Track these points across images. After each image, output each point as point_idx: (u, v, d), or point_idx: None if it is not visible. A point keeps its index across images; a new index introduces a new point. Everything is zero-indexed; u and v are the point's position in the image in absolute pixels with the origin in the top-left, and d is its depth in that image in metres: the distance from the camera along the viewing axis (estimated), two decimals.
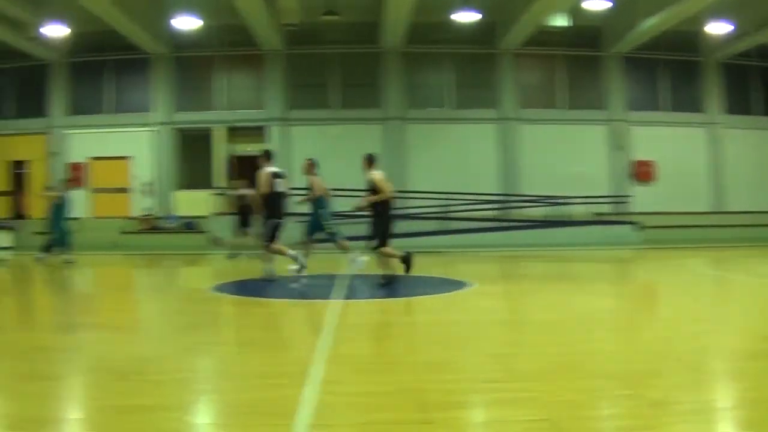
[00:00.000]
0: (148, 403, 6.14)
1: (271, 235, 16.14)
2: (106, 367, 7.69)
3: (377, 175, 15.15)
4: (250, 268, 19.18)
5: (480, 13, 29.68)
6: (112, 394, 6.46)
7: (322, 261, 23.16)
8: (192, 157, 35.95)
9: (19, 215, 36.13)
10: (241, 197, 23.27)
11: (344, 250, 17.77)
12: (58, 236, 22.53)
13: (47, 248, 22.45)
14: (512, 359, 7.62)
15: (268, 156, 16.86)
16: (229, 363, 8.03)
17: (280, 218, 16.30)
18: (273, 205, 16.25)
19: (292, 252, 16.16)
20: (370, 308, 12.31)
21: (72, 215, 23.38)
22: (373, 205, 14.97)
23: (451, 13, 30.00)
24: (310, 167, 18.49)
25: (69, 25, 30.90)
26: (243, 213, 23.16)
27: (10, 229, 32.67)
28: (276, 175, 16.46)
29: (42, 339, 9.98)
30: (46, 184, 27.70)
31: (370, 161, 15.33)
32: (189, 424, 5.76)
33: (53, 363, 8.20)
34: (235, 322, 11.71)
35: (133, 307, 13.42)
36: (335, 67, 34.95)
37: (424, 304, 12.97)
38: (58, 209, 22.64)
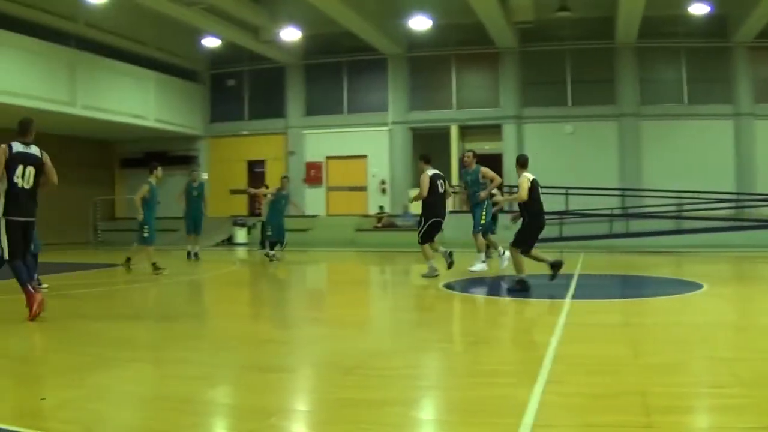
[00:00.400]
0: (373, 397, 6.22)
1: (428, 234, 16.61)
2: (332, 361, 7.85)
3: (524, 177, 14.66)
4: (491, 266, 19.21)
5: (711, 6, 28.80)
6: (337, 388, 6.58)
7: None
8: None
9: (255, 212, 37.44)
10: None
11: (494, 247, 17.43)
12: (273, 233, 23.19)
13: (267, 245, 23.17)
14: (738, 364, 7.32)
15: (427, 159, 17.26)
16: (455, 360, 8.06)
17: (440, 218, 16.76)
18: (433, 205, 16.66)
19: (442, 250, 16.66)
20: (598, 308, 12.11)
21: (286, 212, 23.86)
22: (524, 207, 14.35)
23: (682, 7, 29.26)
24: (473, 160, 18.13)
25: (304, 29, 31.77)
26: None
27: (244, 225, 33.86)
28: (437, 177, 16.84)
29: (271, 332, 10.31)
30: (264, 183, 28.40)
31: (522, 163, 14.91)
32: (413, 420, 5.76)
33: (281, 356, 8.44)
34: (463, 319, 11.75)
35: (362, 303, 13.66)
36: (568, 64, 34.50)
37: (653, 305, 12.65)
38: (273, 206, 23.30)
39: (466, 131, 35.37)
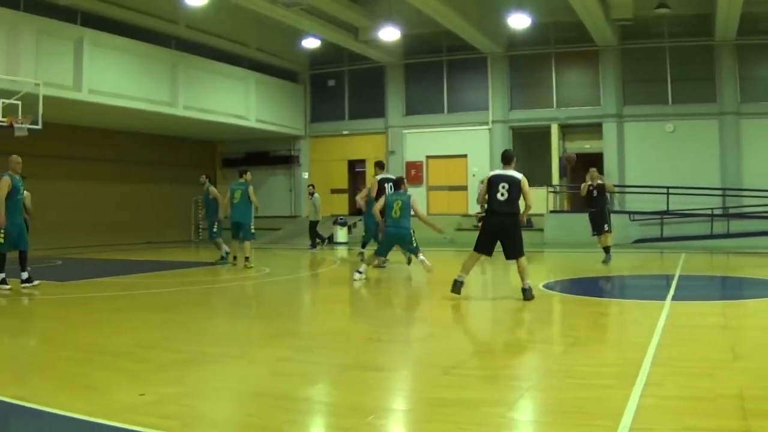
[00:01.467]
0: (471, 397, 6.28)
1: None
2: (431, 361, 7.92)
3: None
4: (592, 267, 19.10)
5: None
6: (436, 387, 6.65)
7: (652, 260, 22.83)
8: (527, 155, 36.03)
9: (356, 212, 37.69)
10: (591, 196, 21.82)
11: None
12: (367, 234, 23.22)
13: (362, 245, 23.19)
14: None
15: (381, 166, 20.18)
16: (553, 361, 8.03)
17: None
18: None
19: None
20: (698, 310, 11.94)
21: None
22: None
23: None
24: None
25: (403, 28, 31.82)
26: (595, 213, 21.76)
27: (345, 225, 34.06)
28: (386, 180, 19.10)
29: (370, 331, 10.39)
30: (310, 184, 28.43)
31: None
32: (511, 421, 5.78)
33: (381, 354, 8.56)
34: (562, 320, 11.72)
35: (462, 303, 13.69)
36: (668, 62, 33.92)
37: (753, 307, 12.40)
38: (369, 206, 23.44)
39: (566, 130, 35.02)
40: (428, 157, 36.60)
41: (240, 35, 34.60)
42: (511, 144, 35.05)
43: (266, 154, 39.65)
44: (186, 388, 6.74)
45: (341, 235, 34.16)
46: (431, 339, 9.59)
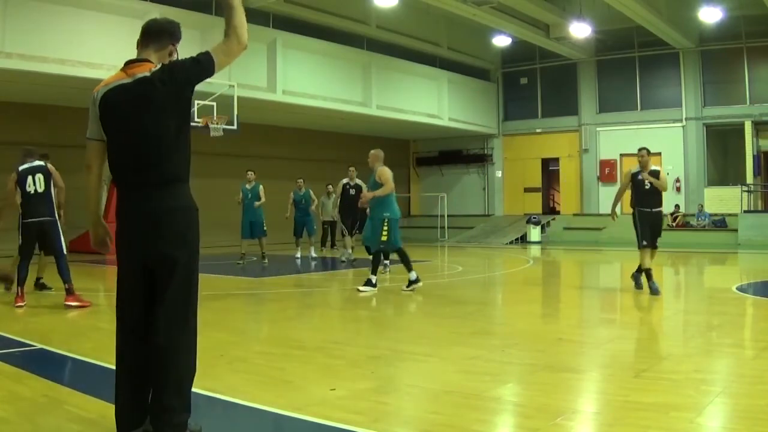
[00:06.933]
0: (661, 401, 6.23)
1: None
2: (622, 363, 7.90)
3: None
4: None
5: None
6: (626, 390, 6.63)
7: None
8: (721, 153, 35.22)
9: (550, 210, 37.64)
10: None
11: None
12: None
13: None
14: None
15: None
16: (746, 366, 7.86)
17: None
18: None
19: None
20: None
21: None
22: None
23: None
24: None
25: (594, 24, 31.64)
26: None
27: (538, 224, 33.99)
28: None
29: (562, 331, 10.43)
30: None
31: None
32: (699, 426, 5.70)
33: (571, 355, 8.56)
34: (754, 323, 11.46)
35: (654, 305, 13.54)
36: None
37: None
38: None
39: (760, 127, 33.97)
40: (622, 155, 36.11)
41: (431, 34, 35.02)
42: (705, 141, 34.34)
43: (459, 153, 39.99)
44: (376, 384, 6.91)
45: (534, 234, 34.10)
46: (623, 341, 9.53)
